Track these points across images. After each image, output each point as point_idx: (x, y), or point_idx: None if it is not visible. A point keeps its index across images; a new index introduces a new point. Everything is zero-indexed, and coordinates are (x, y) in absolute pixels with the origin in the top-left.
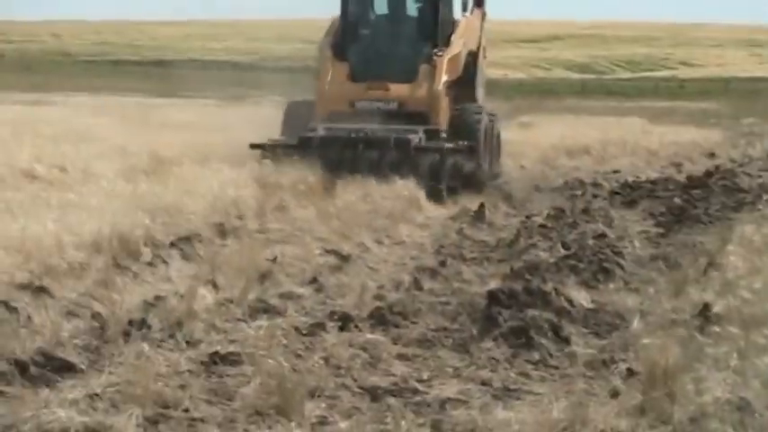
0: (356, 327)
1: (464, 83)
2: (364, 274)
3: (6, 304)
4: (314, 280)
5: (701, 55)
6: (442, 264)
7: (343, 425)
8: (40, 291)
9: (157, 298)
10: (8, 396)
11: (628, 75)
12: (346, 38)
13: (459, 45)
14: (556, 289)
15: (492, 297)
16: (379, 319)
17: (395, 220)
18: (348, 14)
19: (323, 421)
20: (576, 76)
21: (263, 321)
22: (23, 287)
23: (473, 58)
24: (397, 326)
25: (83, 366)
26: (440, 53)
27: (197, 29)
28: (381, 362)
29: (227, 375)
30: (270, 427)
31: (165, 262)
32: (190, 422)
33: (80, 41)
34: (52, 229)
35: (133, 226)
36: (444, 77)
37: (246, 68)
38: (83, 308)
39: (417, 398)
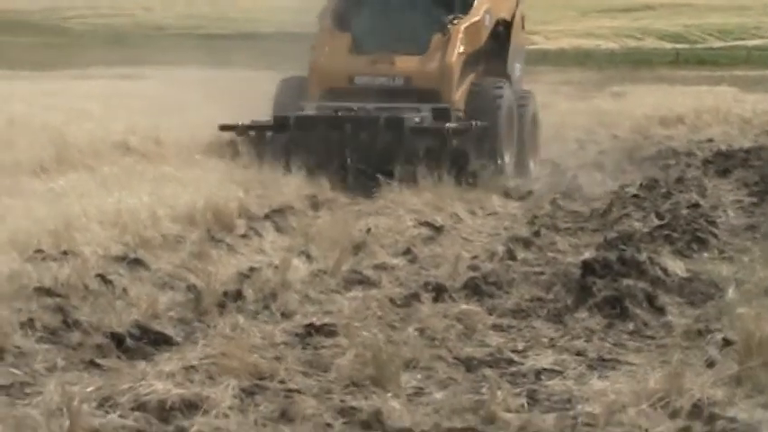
0: (450, 297)
1: (493, 56)
2: (458, 244)
3: (103, 277)
4: (408, 251)
5: None
6: (536, 234)
7: (438, 395)
8: (136, 263)
9: (252, 269)
10: (105, 368)
11: (720, 44)
12: (350, 4)
13: (480, 11)
14: (650, 258)
15: (586, 267)
16: (474, 289)
17: (487, 191)
18: None
19: (419, 392)
20: (668, 45)
21: (357, 292)
22: (119, 260)
23: (506, 27)
24: (491, 296)
25: (178, 339)
26: (455, 21)
27: (289, 1)
28: (476, 332)
29: (323, 347)
30: (366, 398)
31: (258, 234)
32: (286, 393)
33: (171, 14)
34: (147, 202)
35: (227, 199)
36: (459, 49)
37: None
38: (178, 280)
39: (513, 368)
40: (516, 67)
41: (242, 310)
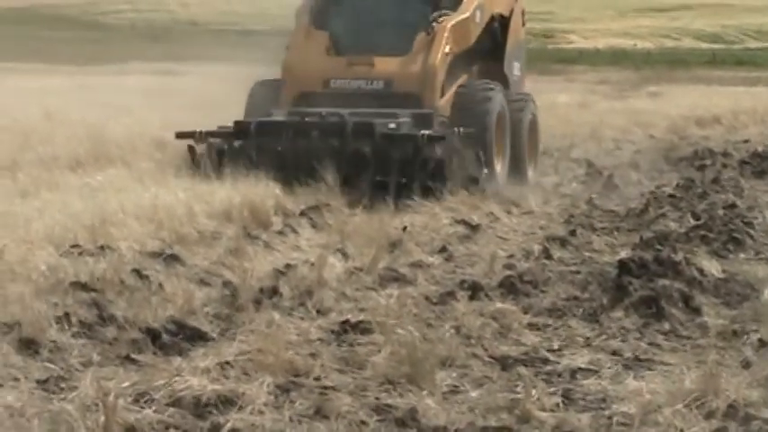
0: (486, 296)
1: (489, 56)
2: (494, 243)
3: (139, 272)
4: (443, 249)
5: None
6: (572, 233)
7: (474, 394)
8: (172, 259)
9: (288, 266)
10: (141, 364)
11: (758, 44)
12: (329, 0)
13: (470, 7)
14: (686, 258)
15: (622, 266)
16: (510, 288)
17: (523, 190)
18: None
19: (454, 390)
20: (705, 45)
21: (393, 290)
22: (155, 255)
23: (503, 23)
24: (527, 295)
25: (214, 335)
26: (442, 18)
27: None
28: (512, 331)
29: (358, 344)
30: (401, 396)
31: (295, 231)
32: (321, 390)
33: (208, 10)
34: (183, 198)
35: (263, 195)
36: (445, 49)
37: None
38: (214, 276)
39: (548, 367)
40: (515, 67)
41: (278, 307)
